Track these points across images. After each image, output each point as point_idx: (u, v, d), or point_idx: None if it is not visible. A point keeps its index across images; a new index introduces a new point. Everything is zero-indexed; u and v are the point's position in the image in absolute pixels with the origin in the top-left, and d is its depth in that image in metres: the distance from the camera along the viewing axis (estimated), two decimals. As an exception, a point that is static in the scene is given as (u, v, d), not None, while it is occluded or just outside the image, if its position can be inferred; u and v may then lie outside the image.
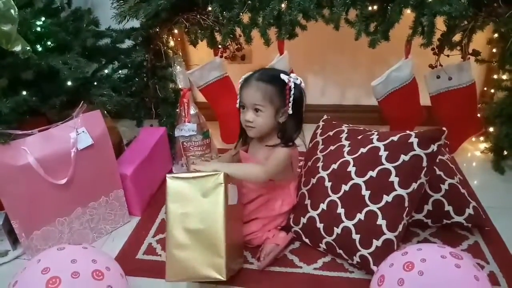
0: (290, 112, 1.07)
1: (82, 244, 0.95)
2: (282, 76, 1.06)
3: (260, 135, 1.13)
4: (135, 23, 1.45)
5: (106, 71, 1.50)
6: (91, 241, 1.24)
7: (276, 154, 1.09)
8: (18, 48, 1.07)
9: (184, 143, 1.47)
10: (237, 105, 1.13)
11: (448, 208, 1.13)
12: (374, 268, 0.99)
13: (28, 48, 1.09)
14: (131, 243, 1.23)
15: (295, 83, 1.06)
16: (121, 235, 1.27)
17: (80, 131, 1.14)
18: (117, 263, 0.95)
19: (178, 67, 1.45)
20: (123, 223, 1.31)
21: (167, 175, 0.97)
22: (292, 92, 1.05)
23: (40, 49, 1.24)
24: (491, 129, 1.52)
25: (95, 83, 1.38)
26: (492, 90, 1.56)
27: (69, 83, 1.23)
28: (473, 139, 1.62)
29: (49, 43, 1.27)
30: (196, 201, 0.95)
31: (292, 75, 1.08)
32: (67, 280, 0.81)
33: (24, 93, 1.16)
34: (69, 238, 1.19)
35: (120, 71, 1.56)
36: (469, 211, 1.13)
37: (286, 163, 1.11)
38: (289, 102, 1.06)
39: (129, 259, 1.16)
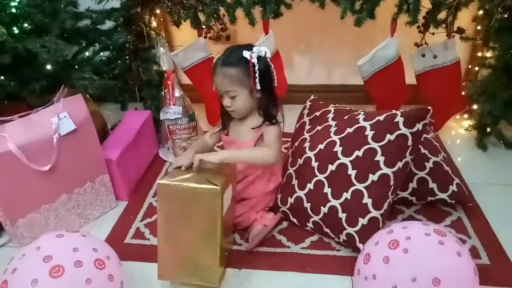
0: (258, 87, 1.04)
1: (80, 231, 0.94)
2: (244, 53, 1.02)
3: (244, 115, 1.12)
4: (115, 3, 1.41)
5: (87, 53, 1.46)
6: (78, 227, 1.23)
7: (271, 133, 1.08)
8: (-8, 31, 1.03)
9: (170, 126, 1.46)
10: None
11: (432, 185, 1.15)
12: (360, 246, 1.01)
13: (3, 30, 1.05)
14: (119, 228, 1.23)
15: (258, 57, 1.03)
16: (108, 220, 1.26)
17: (62, 116, 1.11)
18: (115, 251, 0.94)
19: (162, 48, 1.41)
20: (110, 208, 1.30)
21: (159, 180, 0.95)
22: (257, 67, 1.02)
23: (16, 31, 1.19)
24: (475, 107, 1.54)
25: (76, 66, 1.35)
26: (476, 68, 1.58)
27: (48, 66, 1.20)
28: (458, 117, 1.63)
29: (25, 25, 1.22)
30: (191, 209, 0.94)
31: (254, 48, 1.03)
32: (70, 269, 0.80)
33: (2, 78, 1.13)
34: (55, 224, 1.18)
35: (101, 54, 1.53)
36: (453, 188, 1.16)
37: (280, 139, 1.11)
38: (256, 78, 1.03)
39: (117, 243, 1.15)
